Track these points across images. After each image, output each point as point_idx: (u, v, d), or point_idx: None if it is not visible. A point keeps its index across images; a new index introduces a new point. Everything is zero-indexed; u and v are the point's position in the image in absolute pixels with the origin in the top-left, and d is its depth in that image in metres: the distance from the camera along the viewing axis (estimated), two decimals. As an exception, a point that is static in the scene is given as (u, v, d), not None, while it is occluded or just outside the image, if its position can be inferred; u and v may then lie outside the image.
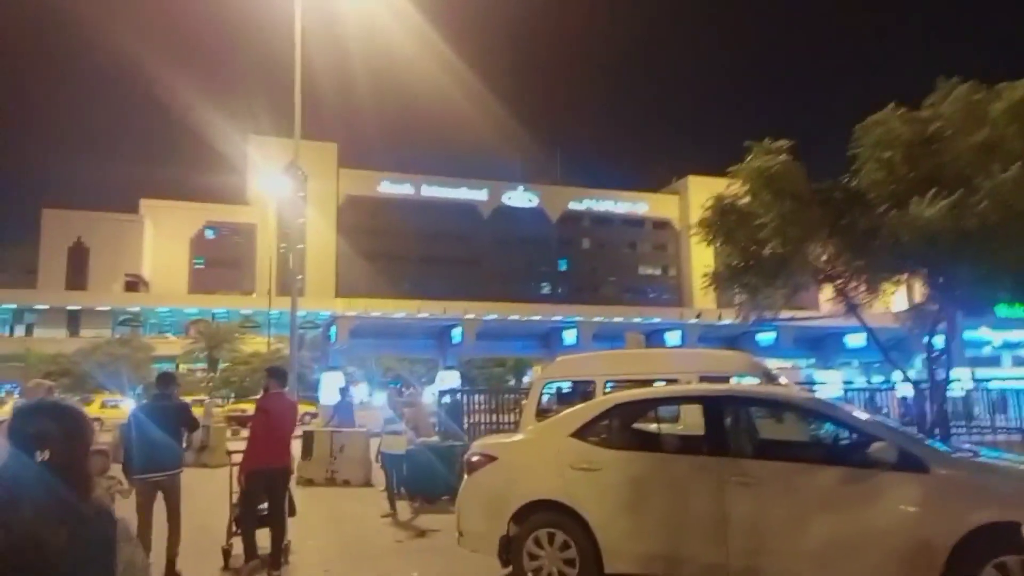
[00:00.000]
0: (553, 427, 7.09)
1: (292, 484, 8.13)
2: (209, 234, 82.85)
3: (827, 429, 6.87)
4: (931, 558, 5.12)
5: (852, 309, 11.52)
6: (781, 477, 5.79)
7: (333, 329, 46.28)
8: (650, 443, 6.92)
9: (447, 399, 17.49)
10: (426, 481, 11.82)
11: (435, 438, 13.18)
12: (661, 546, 5.97)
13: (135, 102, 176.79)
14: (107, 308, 71.26)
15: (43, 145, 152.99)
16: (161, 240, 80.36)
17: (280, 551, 7.55)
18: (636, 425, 7.28)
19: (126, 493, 6.50)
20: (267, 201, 71.36)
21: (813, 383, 21.77)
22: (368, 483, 13.89)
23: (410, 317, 53.87)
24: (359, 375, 46.96)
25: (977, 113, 9.40)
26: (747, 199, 10.99)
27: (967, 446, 7.96)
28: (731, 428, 6.46)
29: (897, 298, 12.44)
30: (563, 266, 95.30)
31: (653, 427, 7.48)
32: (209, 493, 10.41)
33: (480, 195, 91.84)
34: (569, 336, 48.69)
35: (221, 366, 55.53)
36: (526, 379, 55.15)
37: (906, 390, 17.15)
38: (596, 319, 55.81)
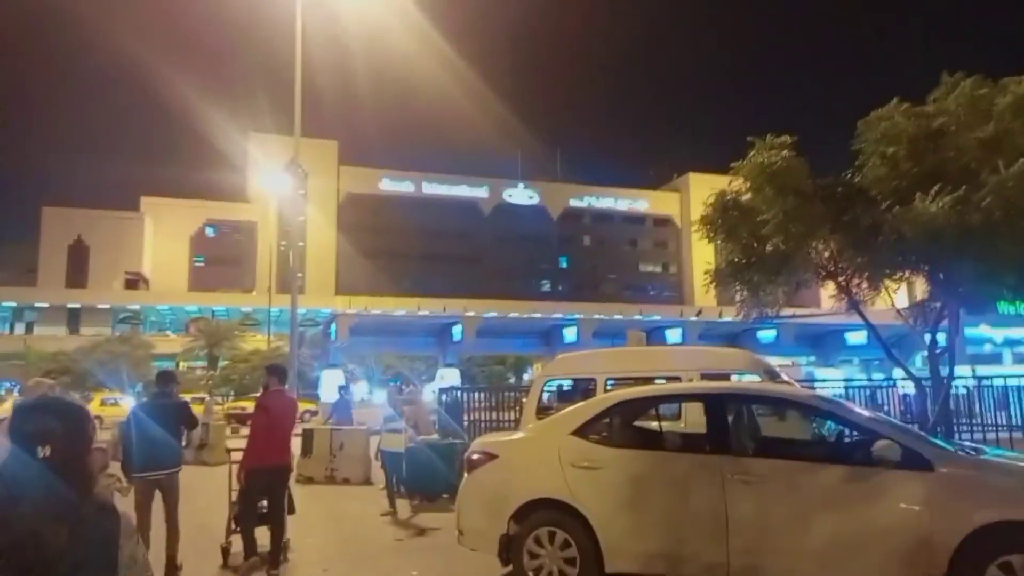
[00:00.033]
0: (554, 425, 7.04)
1: (291, 482, 8.09)
2: (209, 232, 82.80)
3: (830, 427, 6.83)
4: (935, 557, 5.08)
5: (854, 306, 11.49)
6: (783, 475, 5.74)
7: (333, 327, 46.34)
8: (651, 441, 6.87)
9: (446, 397, 17.46)
10: (426, 479, 11.77)
11: (435, 436, 13.14)
12: (662, 545, 5.92)
13: (135, 100, 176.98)
14: (107, 306, 71.25)
15: (44, 144, 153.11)
16: (161, 238, 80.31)
17: (279, 549, 7.51)
18: (637, 423, 7.24)
19: (125, 491, 6.47)
20: (267, 199, 71.32)
21: (814, 380, 21.73)
22: (368, 481, 13.85)
23: (410, 315, 53.94)
24: (359, 373, 46.91)
25: (982, 108, 9.36)
26: (749, 195, 10.95)
27: (970, 444, 7.91)
28: (733, 426, 6.42)
29: (899, 295, 12.39)
30: (564, 263, 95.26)
31: (654, 425, 7.44)
32: (209, 491, 10.37)
33: (481, 192, 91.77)
34: (569, 333, 48.79)
35: (221, 364, 55.49)
36: (526, 377, 55.20)
37: (907, 387, 17.10)
38: (596, 316, 55.85)
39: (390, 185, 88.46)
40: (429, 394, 20.56)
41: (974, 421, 14.84)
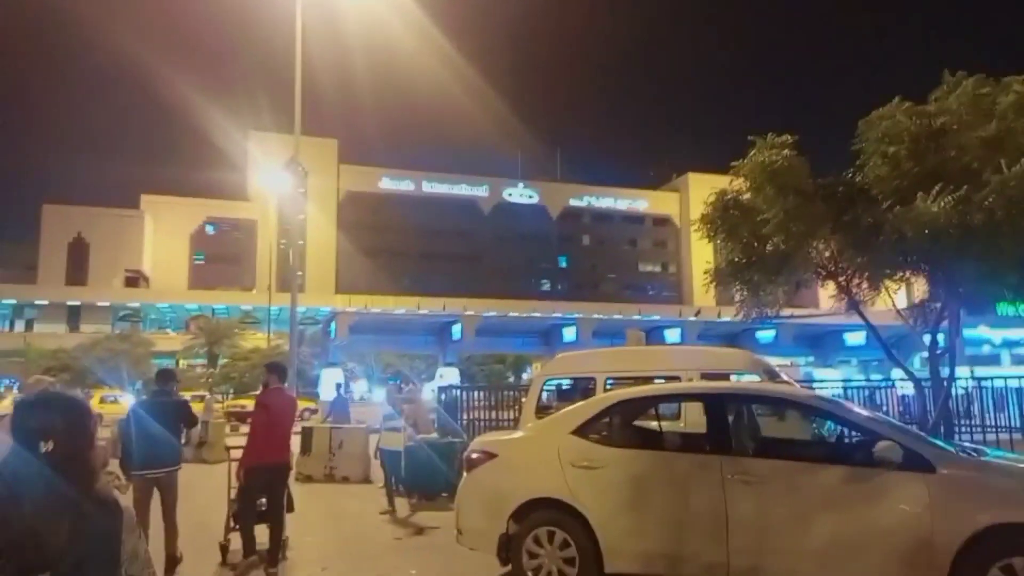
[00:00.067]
0: (553, 424, 7.02)
1: (290, 480, 8.08)
2: (209, 230, 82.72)
3: (830, 427, 6.81)
4: (936, 559, 5.05)
5: (854, 306, 11.47)
6: (784, 476, 5.71)
7: (333, 325, 46.42)
8: (651, 441, 6.85)
9: (445, 396, 17.43)
10: (425, 478, 11.75)
11: (434, 435, 13.12)
12: (662, 545, 5.90)
13: (135, 99, 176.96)
14: (107, 304, 71.16)
15: (44, 142, 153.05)
16: (161, 236, 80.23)
17: (278, 547, 7.49)
18: (637, 423, 7.22)
19: (124, 489, 6.47)
20: (267, 197, 71.19)
21: (812, 381, 21.71)
22: (367, 479, 13.84)
23: (410, 313, 53.94)
24: (359, 371, 46.91)
25: (984, 107, 9.34)
26: (749, 194, 10.93)
27: (971, 445, 7.89)
28: (733, 426, 6.40)
29: (899, 296, 12.38)
30: (563, 263, 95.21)
31: (654, 425, 7.42)
32: (208, 489, 10.36)
33: (480, 192, 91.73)
34: (569, 333, 48.86)
35: (221, 362, 55.48)
36: (525, 376, 55.16)
37: (906, 388, 17.08)
38: (596, 316, 55.89)
39: (390, 184, 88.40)
40: (428, 393, 20.53)
41: (973, 422, 14.81)
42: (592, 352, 13.60)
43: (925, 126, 9.73)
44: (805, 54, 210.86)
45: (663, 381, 9.31)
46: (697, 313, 61.46)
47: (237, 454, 7.77)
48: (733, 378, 9.39)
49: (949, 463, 5.42)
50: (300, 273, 54.15)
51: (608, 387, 9.55)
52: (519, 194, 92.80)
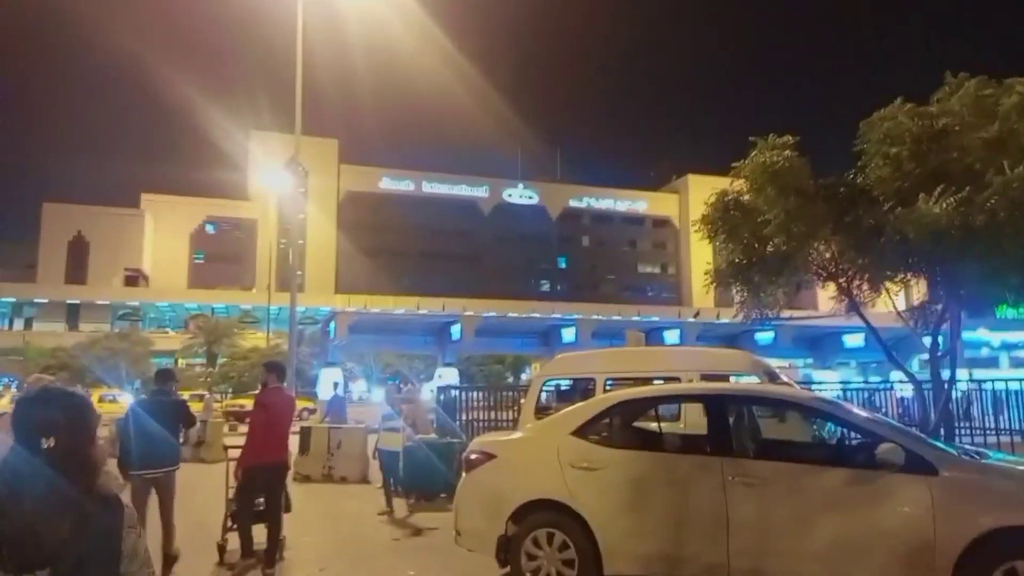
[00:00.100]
0: (553, 425, 6.97)
1: (288, 480, 8.04)
2: (209, 229, 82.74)
3: (831, 429, 6.76)
4: (939, 562, 5.01)
5: (854, 308, 11.44)
6: (784, 478, 5.67)
7: (332, 325, 46.35)
8: (651, 442, 6.81)
9: (443, 396, 17.39)
10: (424, 478, 11.70)
11: (433, 435, 13.07)
12: (662, 546, 5.86)
13: (136, 98, 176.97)
14: (107, 302, 71.20)
15: (45, 142, 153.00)
16: (161, 235, 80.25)
17: (275, 547, 7.46)
18: (637, 424, 7.17)
19: (121, 488, 6.41)
20: (268, 197, 71.22)
21: (811, 383, 21.68)
22: (365, 480, 13.80)
23: (409, 313, 53.87)
24: (358, 371, 46.90)
25: (986, 108, 9.32)
26: (750, 195, 10.90)
27: (973, 448, 7.85)
28: (734, 427, 6.35)
29: (898, 298, 12.36)
30: (563, 264, 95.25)
31: (654, 426, 7.37)
32: (206, 488, 10.31)
33: (480, 192, 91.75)
34: (568, 334, 48.80)
35: (220, 361, 55.46)
36: (524, 376, 55.12)
37: (904, 390, 17.06)
38: (595, 317, 55.82)
39: (390, 184, 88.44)
40: (427, 393, 20.50)
41: (973, 425, 14.79)
42: (592, 353, 13.57)
43: (927, 127, 9.71)
44: (805, 54, 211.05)
45: (662, 382, 9.28)
46: (696, 315, 61.43)
47: (235, 454, 7.75)
48: (733, 379, 9.35)
49: (951, 466, 5.38)
50: (300, 273, 54.13)
51: (608, 388, 9.51)
52: (519, 195, 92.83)
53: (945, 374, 11.10)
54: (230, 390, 47.00)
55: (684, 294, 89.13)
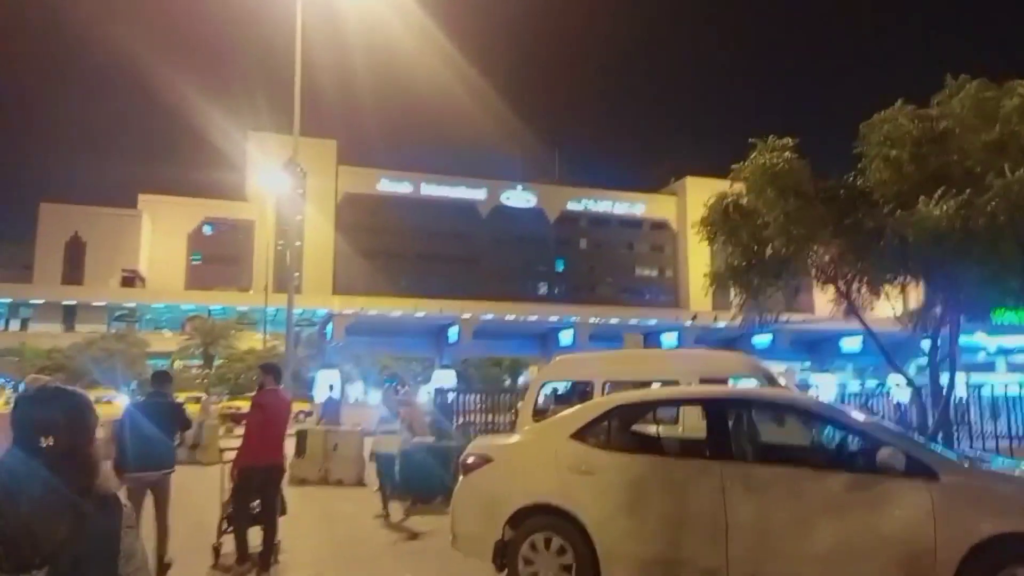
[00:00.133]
0: (551, 428, 6.92)
1: (284, 483, 7.99)
2: (207, 230, 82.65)
3: (831, 433, 6.72)
4: (939, 568, 4.97)
5: (853, 311, 11.41)
6: (783, 482, 5.64)
7: (330, 326, 46.25)
8: (650, 446, 6.76)
9: (439, 399, 17.36)
10: (421, 481, 11.64)
11: (431, 438, 13.02)
12: (660, 551, 5.81)
13: (134, 99, 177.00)
14: (103, 303, 71.10)
15: (42, 141, 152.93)
16: (159, 235, 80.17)
17: (271, 551, 7.40)
18: (636, 427, 7.12)
19: (116, 489, 6.34)
20: (266, 198, 71.06)
21: (808, 387, 21.67)
22: (361, 483, 13.75)
23: (407, 315, 53.71)
24: (355, 373, 46.82)
25: (987, 110, 9.29)
26: (749, 197, 10.87)
27: (974, 453, 7.82)
28: (733, 431, 6.31)
29: (897, 302, 12.33)
30: (560, 266, 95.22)
31: (653, 430, 7.33)
32: (202, 491, 10.23)
33: (479, 194, 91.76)
34: (566, 336, 48.72)
35: (217, 363, 55.36)
36: (522, 379, 55.03)
37: (901, 395, 17.05)
38: (592, 320, 55.69)
39: (388, 185, 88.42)
40: (424, 395, 20.46)
41: (973, 430, 14.77)
42: (590, 356, 13.53)
43: (927, 129, 9.69)
44: (805, 54, 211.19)
45: (661, 385, 9.24)
46: (694, 318, 61.34)
47: (230, 456, 7.70)
48: (731, 382, 9.32)
49: (952, 471, 5.34)
50: (297, 274, 53.92)
51: (606, 392, 9.46)
52: (517, 197, 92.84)
53: (944, 378, 11.07)
54: (227, 392, 46.88)
55: (682, 297, 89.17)
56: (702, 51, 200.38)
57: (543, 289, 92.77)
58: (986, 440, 14.05)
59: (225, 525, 7.75)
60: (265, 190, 67.06)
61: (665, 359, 11.83)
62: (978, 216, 8.48)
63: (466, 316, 48.12)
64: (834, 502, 5.43)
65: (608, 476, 6.07)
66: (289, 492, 8.38)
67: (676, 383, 9.04)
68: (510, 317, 58.06)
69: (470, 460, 6.76)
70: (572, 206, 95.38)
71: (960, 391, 14.85)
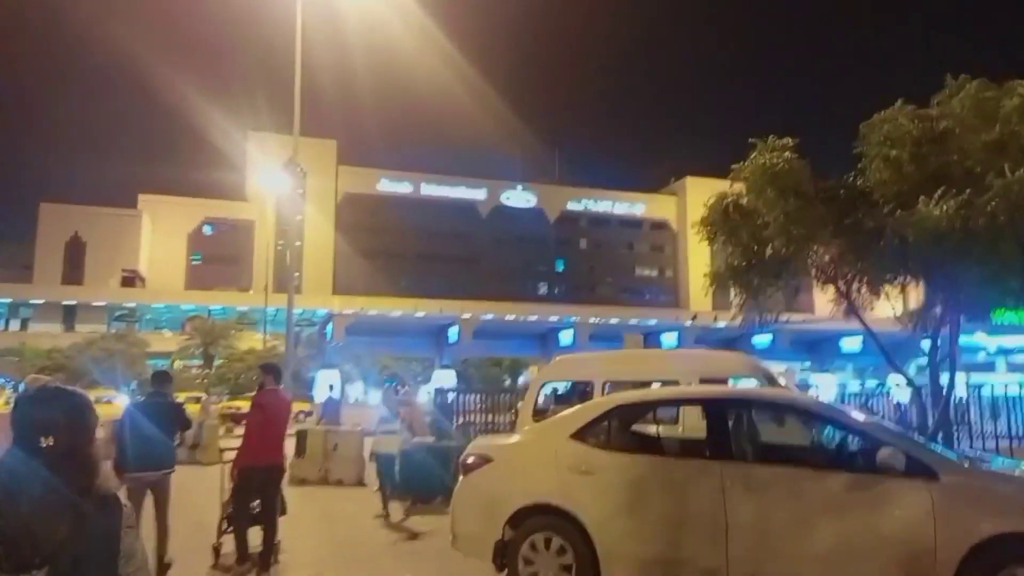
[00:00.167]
0: (551, 428, 6.92)
1: (284, 483, 7.99)
2: (207, 230, 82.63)
3: (831, 433, 6.72)
4: (939, 568, 4.96)
5: (853, 311, 11.41)
6: (784, 482, 5.63)
7: (329, 327, 46.24)
8: (651, 446, 6.76)
9: (439, 398, 17.36)
10: (421, 481, 11.63)
11: (431, 438, 13.01)
12: (660, 551, 5.81)
13: (135, 98, 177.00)
14: (103, 303, 71.08)
15: (43, 141, 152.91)
16: (159, 235, 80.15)
17: (271, 550, 7.40)
18: (636, 427, 7.12)
19: (116, 489, 6.34)
20: (266, 198, 71.02)
21: (808, 387, 21.67)
22: (361, 483, 13.74)
23: (407, 315, 53.69)
24: (355, 373, 46.80)
25: (987, 111, 9.29)
26: (750, 197, 10.87)
27: (974, 453, 7.82)
28: (733, 431, 6.31)
29: (897, 302, 12.33)
30: (560, 266, 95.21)
31: (653, 430, 7.33)
32: (202, 491, 10.23)
33: (479, 194, 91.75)
34: (565, 336, 48.70)
35: (217, 363, 55.35)
36: (521, 379, 55.01)
37: (901, 395, 17.06)
38: (592, 320, 55.67)
39: (388, 185, 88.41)
40: (424, 395, 20.46)
41: (973, 430, 14.77)
42: (591, 355, 13.53)
43: (927, 129, 9.69)
44: (805, 54, 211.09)
45: (661, 385, 9.23)
46: (694, 318, 61.33)
47: (230, 456, 7.70)
48: (731, 382, 9.32)
49: (953, 471, 5.34)
50: (297, 274, 53.92)
51: (606, 391, 9.46)
52: (517, 197, 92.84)
53: (944, 378, 11.07)
54: (227, 392, 46.87)
55: (681, 297, 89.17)
56: (702, 51, 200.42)
57: (543, 289, 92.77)
58: (986, 440, 14.05)
59: (225, 525, 7.75)
60: (265, 190, 67.02)
61: (665, 359, 11.84)
62: (978, 216, 8.48)
63: (466, 316, 48.10)
64: (834, 502, 5.43)
65: (608, 476, 6.07)
66: (289, 492, 8.38)
67: (676, 383, 9.04)
68: (510, 317, 58.06)
69: (470, 460, 6.76)
70: (572, 206, 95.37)
71: (960, 391, 14.85)
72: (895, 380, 14.06)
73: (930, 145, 9.58)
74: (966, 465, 5.67)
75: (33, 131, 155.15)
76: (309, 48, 23.06)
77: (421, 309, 58.28)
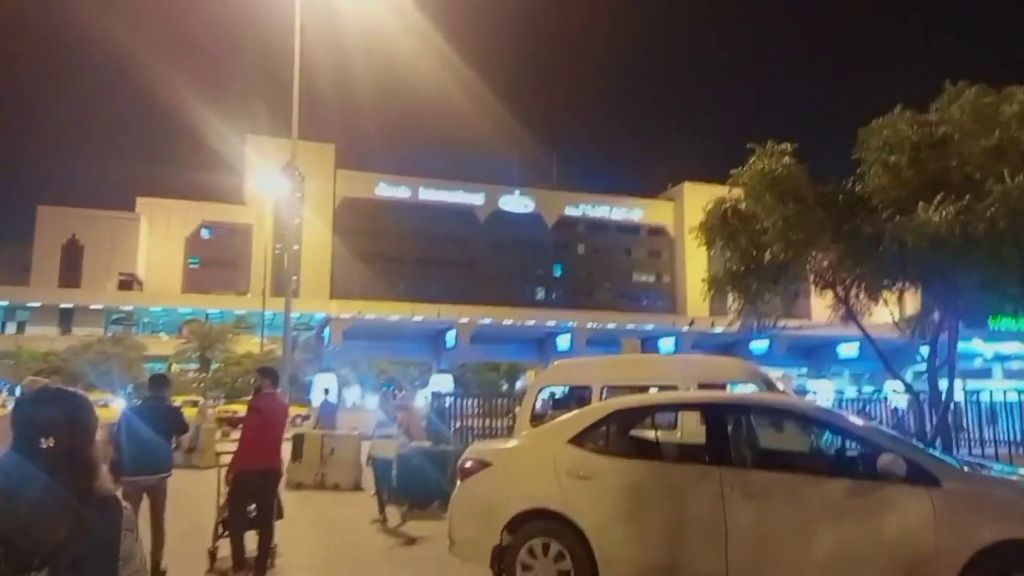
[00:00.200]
0: (549, 433, 6.89)
1: (280, 487, 7.95)
2: (205, 233, 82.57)
3: (831, 439, 6.69)
4: (941, 575, 4.94)
5: (851, 317, 11.40)
6: (783, 488, 5.60)
7: (327, 330, 46.16)
8: (649, 451, 6.74)
9: (435, 403, 17.31)
10: (418, 486, 11.60)
11: (428, 442, 12.98)
12: (659, 557, 5.78)
13: (133, 101, 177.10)
14: (100, 306, 70.92)
15: (41, 144, 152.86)
16: (156, 239, 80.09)
17: (267, 555, 7.36)
18: (634, 432, 7.09)
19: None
20: (264, 201, 71.03)
21: (805, 392, 21.66)
22: (358, 487, 13.70)
23: (404, 320, 53.66)
24: (352, 377, 46.73)
25: (986, 116, 9.30)
26: (748, 202, 10.86)
27: (975, 459, 7.80)
28: (732, 436, 6.28)
29: (895, 308, 12.33)
30: (558, 271, 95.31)
31: (652, 435, 7.30)
32: (198, 495, 10.20)
33: (476, 199, 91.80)
34: (563, 341, 48.66)
35: (214, 366, 55.24)
36: (519, 384, 54.98)
37: (898, 400, 17.06)
38: (590, 325, 55.65)
39: (386, 190, 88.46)
40: (421, 400, 20.42)
41: (971, 436, 14.76)
42: (588, 360, 13.48)
43: (926, 135, 9.69)
44: (805, 54, 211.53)
45: (659, 390, 9.20)
46: (691, 323, 61.34)
47: (227, 460, 7.66)
48: (730, 388, 9.29)
49: (954, 477, 5.31)
50: (295, 278, 53.82)
51: (604, 396, 9.43)
52: (515, 202, 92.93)
53: (942, 384, 11.06)
54: (223, 396, 46.78)
55: (679, 303, 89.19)
56: (702, 51, 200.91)
57: (541, 294, 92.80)
58: (984, 447, 14.03)
59: (221, 529, 7.72)
60: (263, 194, 67.02)
61: (663, 364, 11.80)
62: (977, 222, 8.48)
63: (464, 320, 48.05)
64: (834, 508, 5.40)
65: (606, 481, 6.04)
66: (285, 496, 8.35)
67: (674, 388, 9.01)
68: (508, 322, 58.11)
69: (468, 465, 6.72)
70: (570, 211, 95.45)
71: (957, 397, 14.85)
72: (892, 386, 14.05)
73: (929, 151, 9.58)
74: (968, 471, 5.64)
75: (32, 133, 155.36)
76: (308, 52, 23.08)
77: (418, 313, 58.27)
